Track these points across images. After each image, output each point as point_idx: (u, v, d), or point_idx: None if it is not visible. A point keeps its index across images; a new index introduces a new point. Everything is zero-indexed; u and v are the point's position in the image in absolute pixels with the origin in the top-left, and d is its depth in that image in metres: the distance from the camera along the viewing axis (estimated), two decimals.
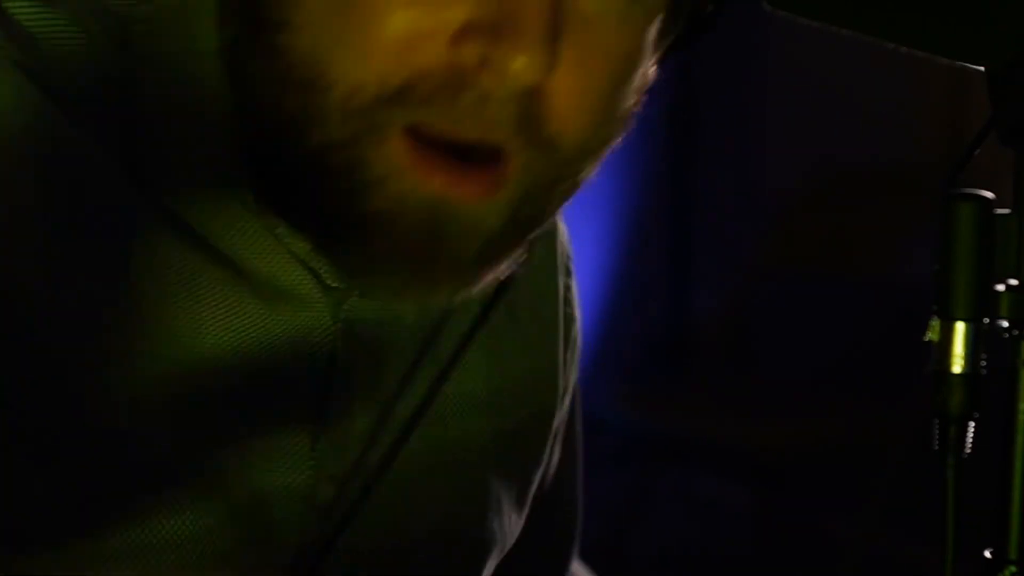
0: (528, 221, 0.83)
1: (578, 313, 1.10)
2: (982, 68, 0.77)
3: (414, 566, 0.94)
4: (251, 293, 0.85)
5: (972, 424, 0.77)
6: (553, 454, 1.08)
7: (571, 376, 1.10)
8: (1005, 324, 0.77)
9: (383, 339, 0.90)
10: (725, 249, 3.89)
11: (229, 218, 0.84)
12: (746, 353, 3.88)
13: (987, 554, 0.77)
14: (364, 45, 0.76)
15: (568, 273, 1.08)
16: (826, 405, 3.41)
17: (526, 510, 1.03)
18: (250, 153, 0.82)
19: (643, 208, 3.91)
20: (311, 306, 0.86)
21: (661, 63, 0.87)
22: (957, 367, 0.77)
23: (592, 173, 0.85)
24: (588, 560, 1.22)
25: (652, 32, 0.83)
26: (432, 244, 0.79)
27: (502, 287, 0.93)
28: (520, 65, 0.75)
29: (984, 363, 0.77)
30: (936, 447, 0.77)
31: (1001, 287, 0.77)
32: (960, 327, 0.77)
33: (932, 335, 0.77)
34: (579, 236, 3.80)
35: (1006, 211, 0.77)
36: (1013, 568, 0.76)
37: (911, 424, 2.84)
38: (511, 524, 1.01)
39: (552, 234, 1.05)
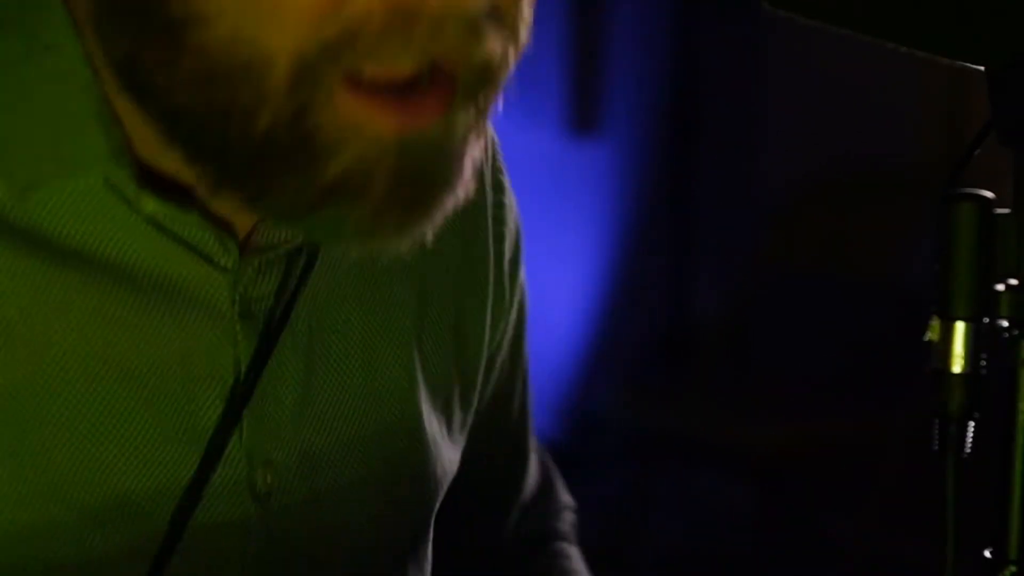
0: (475, 132, 0.80)
1: (513, 228, 1.04)
2: (982, 68, 0.77)
3: (359, 528, 0.93)
4: (138, 296, 0.83)
5: (972, 424, 0.77)
6: (488, 383, 1.05)
7: (512, 300, 1.05)
8: (1005, 324, 0.77)
9: (293, 308, 0.88)
10: (725, 249, 3.89)
11: (102, 222, 0.82)
12: (746, 352, 3.88)
13: (987, 554, 0.77)
14: (293, 9, 0.73)
15: (499, 188, 1.02)
16: (826, 405, 3.41)
17: (461, 443, 1.01)
18: (185, 150, 0.79)
19: (643, 208, 3.91)
20: (207, 293, 0.85)
21: None
22: (957, 367, 0.77)
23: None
24: (588, 559, 1.22)
25: None
26: (406, 185, 0.77)
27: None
28: None
29: (984, 363, 0.77)
30: (936, 447, 0.77)
31: (1001, 287, 0.77)
32: (960, 327, 0.77)
33: (932, 335, 0.77)
34: (580, 237, 3.84)
35: (1006, 211, 0.77)
36: (1013, 568, 0.76)
37: (911, 424, 2.83)
38: (447, 457, 0.99)
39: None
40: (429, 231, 0.80)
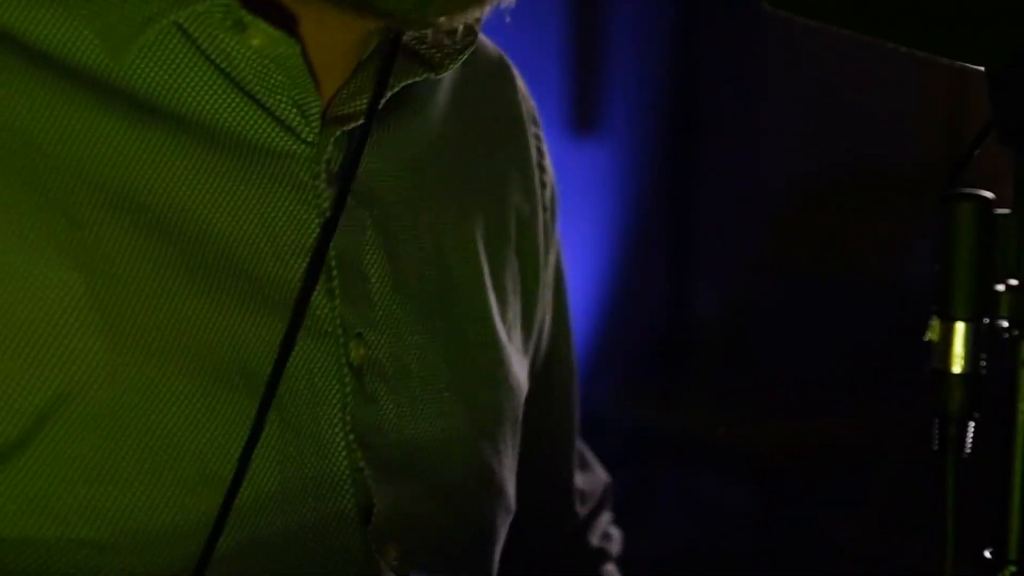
0: None
1: (551, 168, 1.09)
2: (982, 68, 0.77)
3: (448, 429, 0.94)
4: (228, 164, 0.86)
5: (972, 424, 0.77)
6: (546, 303, 1.08)
7: (551, 230, 1.09)
8: (1005, 324, 0.77)
9: (367, 181, 0.91)
10: (725, 249, 3.89)
11: (192, 85, 0.85)
12: (746, 353, 3.88)
13: (987, 554, 0.77)
14: None
15: (536, 123, 1.08)
16: (826, 405, 3.41)
17: (526, 364, 1.03)
18: None
19: (643, 208, 3.91)
20: (289, 164, 0.88)
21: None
22: (957, 367, 0.77)
23: None
24: None
25: None
26: None
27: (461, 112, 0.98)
28: None
29: (984, 363, 0.77)
30: (936, 447, 0.77)
31: (1001, 287, 0.77)
32: (960, 327, 0.77)
33: (932, 335, 0.77)
34: (580, 237, 3.83)
35: (1006, 211, 0.77)
36: (1013, 568, 0.76)
37: (911, 424, 2.84)
38: (518, 371, 1.01)
39: (512, 79, 1.06)
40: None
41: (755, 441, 3.35)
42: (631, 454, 3.53)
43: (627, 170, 3.89)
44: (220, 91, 0.86)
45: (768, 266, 3.78)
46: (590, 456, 1.20)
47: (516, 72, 1.07)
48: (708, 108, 3.91)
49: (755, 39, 3.69)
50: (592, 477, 1.19)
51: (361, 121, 0.89)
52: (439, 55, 0.92)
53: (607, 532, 1.19)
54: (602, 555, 1.18)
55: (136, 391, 0.83)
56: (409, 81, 0.91)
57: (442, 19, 0.85)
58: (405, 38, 0.90)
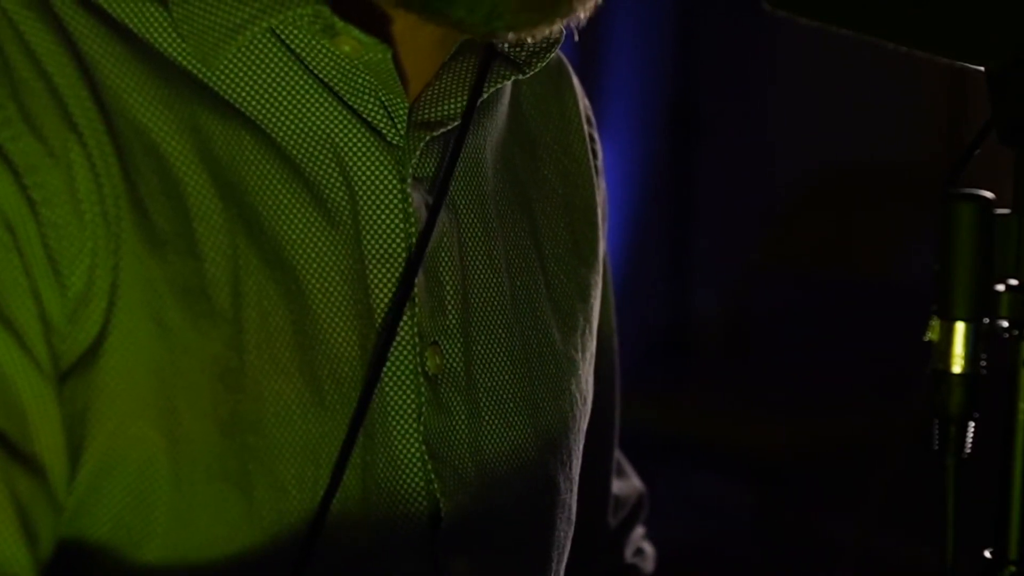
0: None
1: (603, 169, 1.08)
2: (982, 68, 0.77)
3: (516, 437, 0.94)
4: (310, 168, 0.85)
5: (972, 424, 0.77)
6: (597, 300, 1.07)
7: (603, 232, 1.07)
8: (1005, 324, 0.77)
9: (451, 178, 0.90)
10: (725, 249, 3.89)
11: (278, 88, 0.85)
12: (745, 353, 3.88)
13: (987, 554, 0.77)
14: None
15: (591, 123, 1.06)
16: (825, 405, 3.41)
17: (589, 369, 1.02)
18: None
19: (643, 208, 3.91)
20: (374, 168, 0.87)
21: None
22: (957, 367, 0.77)
23: None
24: None
25: None
26: None
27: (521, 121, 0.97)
28: None
29: (984, 363, 0.77)
30: (936, 447, 0.77)
31: (1001, 287, 0.77)
32: (960, 327, 0.77)
33: (932, 335, 0.77)
34: None
35: (1006, 211, 0.77)
36: (1013, 568, 0.76)
37: (911, 424, 2.84)
38: (583, 378, 1.00)
39: (568, 77, 1.05)
40: (580, 13, 0.85)
41: (753, 440, 3.35)
42: (629, 453, 3.53)
43: (627, 170, 3.89)
44: (311, 93, 0.85)
45: (767, 266, 3.77)
46: (626, 463, 1.19)
47: (571, 70, 1.05)
48: (708, 108, 3.91)
49: (755, 39, 3.69)
50: (627, 484, 1.18)
51: (450, 126, 0.88)
52: (524, 54, 0.91)
53: (640, 548, 1.18)
54: (635, 573, 1.17)
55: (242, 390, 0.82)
56: (500, 84, 0.90)
57: (510, 35, 0.84)
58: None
